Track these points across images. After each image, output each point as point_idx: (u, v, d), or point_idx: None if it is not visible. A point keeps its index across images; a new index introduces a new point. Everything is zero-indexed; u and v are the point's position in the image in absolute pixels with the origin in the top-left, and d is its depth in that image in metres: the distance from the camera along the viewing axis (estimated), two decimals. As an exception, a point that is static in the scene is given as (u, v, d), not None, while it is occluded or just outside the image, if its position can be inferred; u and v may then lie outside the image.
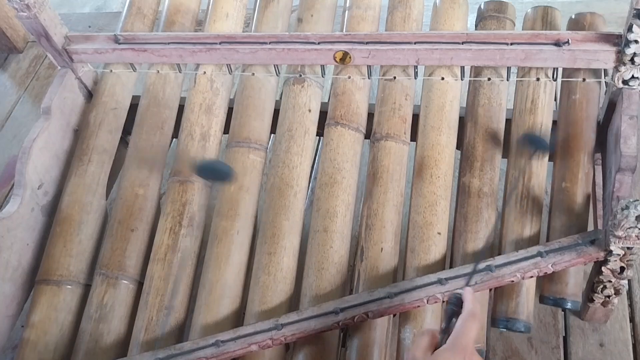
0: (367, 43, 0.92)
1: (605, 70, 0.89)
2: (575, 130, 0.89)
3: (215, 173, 0.89)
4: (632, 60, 0.83)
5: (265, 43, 0.95)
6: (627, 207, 0.73)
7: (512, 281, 0.80)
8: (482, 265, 0.81)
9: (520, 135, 0.90)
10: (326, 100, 0.99)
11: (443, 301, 0.82)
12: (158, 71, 1.03)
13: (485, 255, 0.84)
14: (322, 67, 0.98)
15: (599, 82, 0.91)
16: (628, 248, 0.77)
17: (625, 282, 0.84)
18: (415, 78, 0.96)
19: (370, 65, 0.96)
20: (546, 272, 0.80)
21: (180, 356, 0.83)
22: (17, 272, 0.94)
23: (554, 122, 0.92)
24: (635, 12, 0.78)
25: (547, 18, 0.97)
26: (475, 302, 0.65)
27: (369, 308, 0.81)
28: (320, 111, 0.98)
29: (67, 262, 0.93)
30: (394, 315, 0.86)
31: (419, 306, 0.82)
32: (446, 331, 0.64)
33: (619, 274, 0.82)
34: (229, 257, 0.89)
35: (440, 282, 0.81)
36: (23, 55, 1.69)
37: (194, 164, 0.89)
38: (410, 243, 0.87)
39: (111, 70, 1.05)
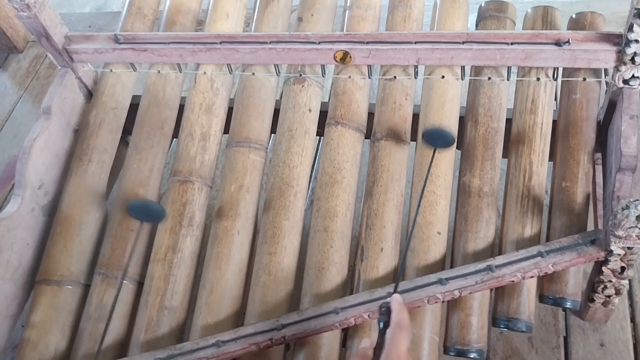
0: (367, 43, 0.92)
1: (605, 69, 0.89)
2: (576, 129, 0.89)
3: (148, 213, 0.89)
4: (632, 60, 0.83)
5: (265, 43, 0.95)
6: (627, 207, 0.73)
7: (513, 281, 0.80)
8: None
9: (424, 131, 0.90)
10: (326, 100, 0.99)
11: (443, 301, 0.82)
12: (159, 71, 1.03)
13: (485, 255, 0.84)
14: (323, 66, 0.98)
15: (599, 82, 0.91)
16: (628, 248, 0.77)
17: (625, 281, 0.84)
18: (416, 78, 0.95)
19: (370, 65, 0.96)
20: (547, 272, 0.80)
21: (181, 356, 0.83)
22: (17, 272, 0.94)
23: (554, 122, 0.92)
24: (635, 11, 0.78)
25: (547, 18, 0.97)
26: (402, 311, 0.63)
27: (369, 308, 0.81)
28: (320, 111, 0.98)
29: (67, 262, 0.93)
30: (395, 315, 0.86)
31: (419, 306, 0.82)
32: (380, 345, 0.62)
33: (619, 273, 0.82)
34: (230, 257, 0.89)
35: (440, 282, 0.81)
36: (23, 55, 1.69)
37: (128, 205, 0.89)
38: (410, 243, 0.87)
39: (111, 70, 1.05)
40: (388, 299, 0.65)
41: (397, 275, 0.76)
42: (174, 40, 0.99)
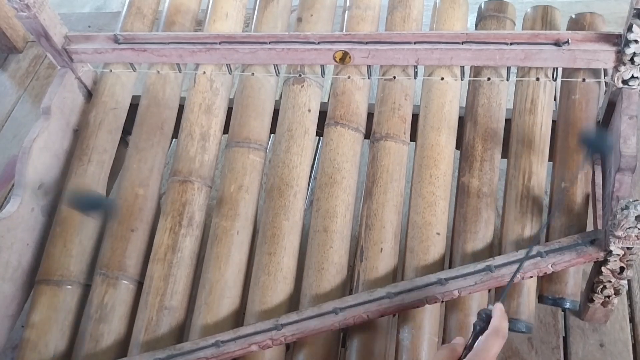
0: (366, 43, 0.92)
1: (605, 70, 0.89)
2: (575, 130, 0.89)
3: (93, 204, 0.87)
4: (631, 60, 0.83)
5: (265, 43, 0.95)
6: (626, 207, 0.73)
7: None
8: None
9: (580, 134, 0.85)
10: (326, 100, 0.99)
11: (442, 301, 0.82)
12: (158, 71, 1.03)
13: (484, 256, 0.84)
14: (322, 67, 0.98)
15: (599, 82, 0.91)
16: (628, 248, 0.77)
17: (625, 282, 0.84)
18: (415, 78, 0.95)
19: (370, 65, 0.96)
20: (546, 272, 0.80)
21: (180, 356, 0.83)
22: (17, 272, 0.94)
23: (554, 122, 0.92)
24: (635, 12, 0.78)
25: (547, 18, 0.97)
26: (503, 319, 0.64)
27: (368, 308, 0.81)
28: (320, 111, 0.98)
29: (67, 262, 0.93)
30: (394, 316, 0.86)
31: (418, 306, 0.82)
32: (470, 347, 0.63)
33: (618, 274, 0.82)
34: (229, 257, 0.89)
35: (439, 282, 0.81)
36: (23, 55, 1.69)
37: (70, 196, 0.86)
38: (409, 243, 0.87)
39: (111, 70, 1.05)
40: (490, 307, 0.65)
41: (507, 283, 0.73)
42: (174, 41, 0.99)
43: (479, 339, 0.63)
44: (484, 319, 0.64)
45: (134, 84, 1.07)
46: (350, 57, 0.94)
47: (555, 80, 0.91)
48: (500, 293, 0.75)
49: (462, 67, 0.93)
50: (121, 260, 0.92)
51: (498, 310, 0.64)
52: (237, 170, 0.94)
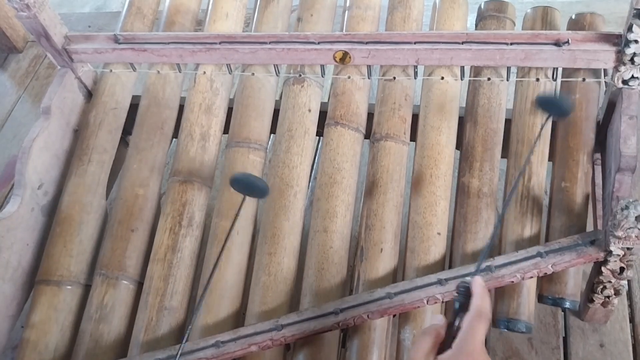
0: (367, 43, 0.92)
1: (605, 70, 0.89)
2: (575, 130, 0.89)
3: (251, 187, 0.83)
4: (632, 60, 0.83)
5: (265, 43, 0.95)
6: (626, 208, 0.73)
7: (512, 282, 0.80)
8: (483, 265, 0.80)
9: (535, 98, 0.84)
10: (326, 100, 0.99)
11: (443, 301, 0.82)
12: (158, 71, 1.03)
13: (484, 256, 0.84)
14: (322, 67, 0.98)
15: (599, 82, 0.91)
16: (628, 248, 0.77)
17: (625, 282, 0.84)
18: (415, 78, 0.96)
19: (370, 65, 0.96)
20: (546, 273, 0.80)
21: (181, 357, 0.83)
22: (17, 272, 0.94)
23: (554, 122, 0.92)
24: (635, 12, 0.78)
25: (547, 18, 0.97)
26: (485, 296, 0.59)
27: (368, 308, 0.81)
28: (320, 111, 0.98)
29: (67, 262, 0.93)
30: (394, 316, 0.86)
31: (418, 307, 0.82)
32: (452, 325, 0.60)
33: (618, 274, 0.82)
34: (229, 258, 0.89)
35: (440, 282, 0.81)
36: (23, 55, 1.69)
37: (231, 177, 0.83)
38: (410, 243, 0.87)
39: (111, 70, 1.05)
40: (467, 279, 0.60)
41: (481, 254, 0.69)
42: (174, 41, 0.99)
43: (463, 323, 0.59)
44: (464, 293, 0.60)
45: (134, 84, 1.07)
46: (350, 57, 0.94)
47: (555, 80, 0.91)
48: (477, 263, 0.70)
49: (462, 67, 0.93)
50: (121, 261, 0.92)
51: (478, 287, 0.60)
52: (237, 171, 0.94)
